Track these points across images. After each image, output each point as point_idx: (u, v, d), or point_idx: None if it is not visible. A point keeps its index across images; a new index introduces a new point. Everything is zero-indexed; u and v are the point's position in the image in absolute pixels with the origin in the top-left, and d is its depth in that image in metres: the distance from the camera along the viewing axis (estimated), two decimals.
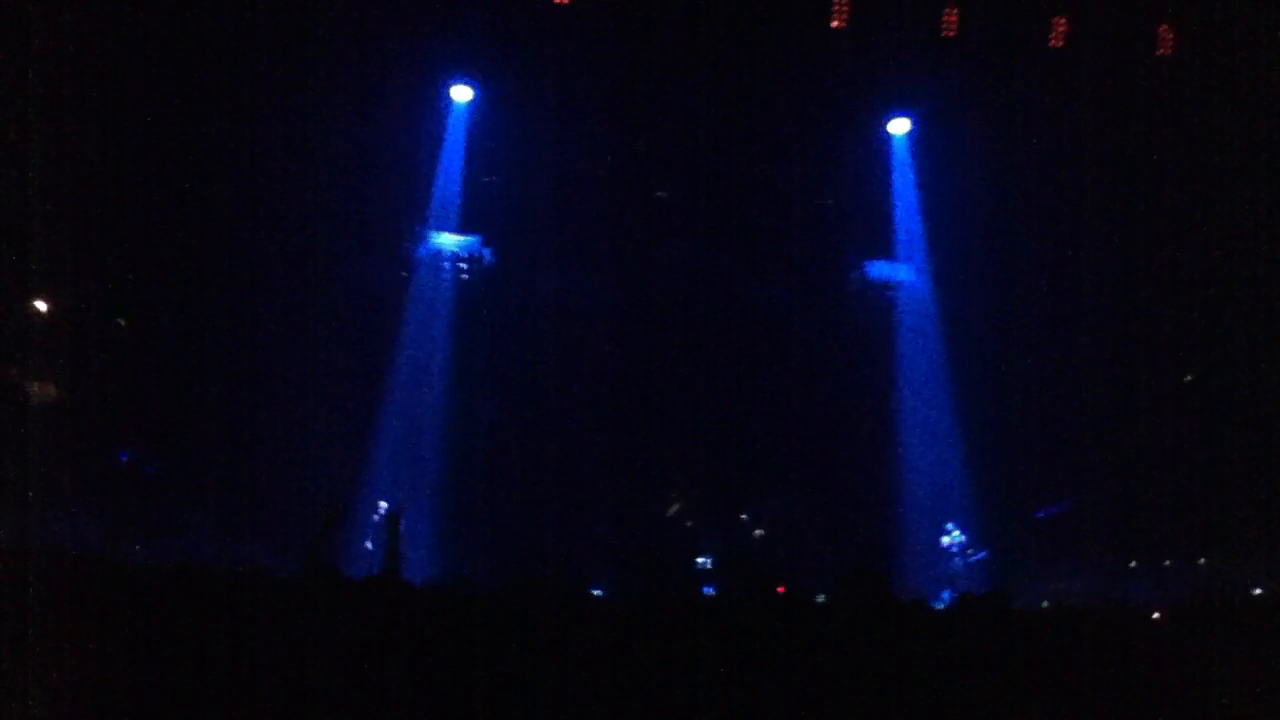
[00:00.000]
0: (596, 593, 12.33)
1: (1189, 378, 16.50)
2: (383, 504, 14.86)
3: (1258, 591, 14.12)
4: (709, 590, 13.66)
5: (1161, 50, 15.21)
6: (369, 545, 14.58)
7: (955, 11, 15.07)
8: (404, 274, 16.60)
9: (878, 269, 17.46)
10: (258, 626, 7.41)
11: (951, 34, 15.32)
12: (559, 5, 15.02)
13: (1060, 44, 15.24)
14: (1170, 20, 15.00)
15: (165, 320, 14.83)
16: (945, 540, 15.94)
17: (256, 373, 15.28)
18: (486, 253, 16.88)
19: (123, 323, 14.06)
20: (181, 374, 14.87)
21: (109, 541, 10.06)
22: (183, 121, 14.99)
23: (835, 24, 15.43)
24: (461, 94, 16.31)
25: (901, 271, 17.44)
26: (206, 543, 9.39)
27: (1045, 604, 11.75)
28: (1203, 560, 15.45)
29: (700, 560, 14.66)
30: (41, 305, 14.07)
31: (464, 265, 16.83)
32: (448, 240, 16.76)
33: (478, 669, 7.87)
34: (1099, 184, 16.14)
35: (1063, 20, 15.08)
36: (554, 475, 15.78)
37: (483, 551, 14.29)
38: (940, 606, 12.82)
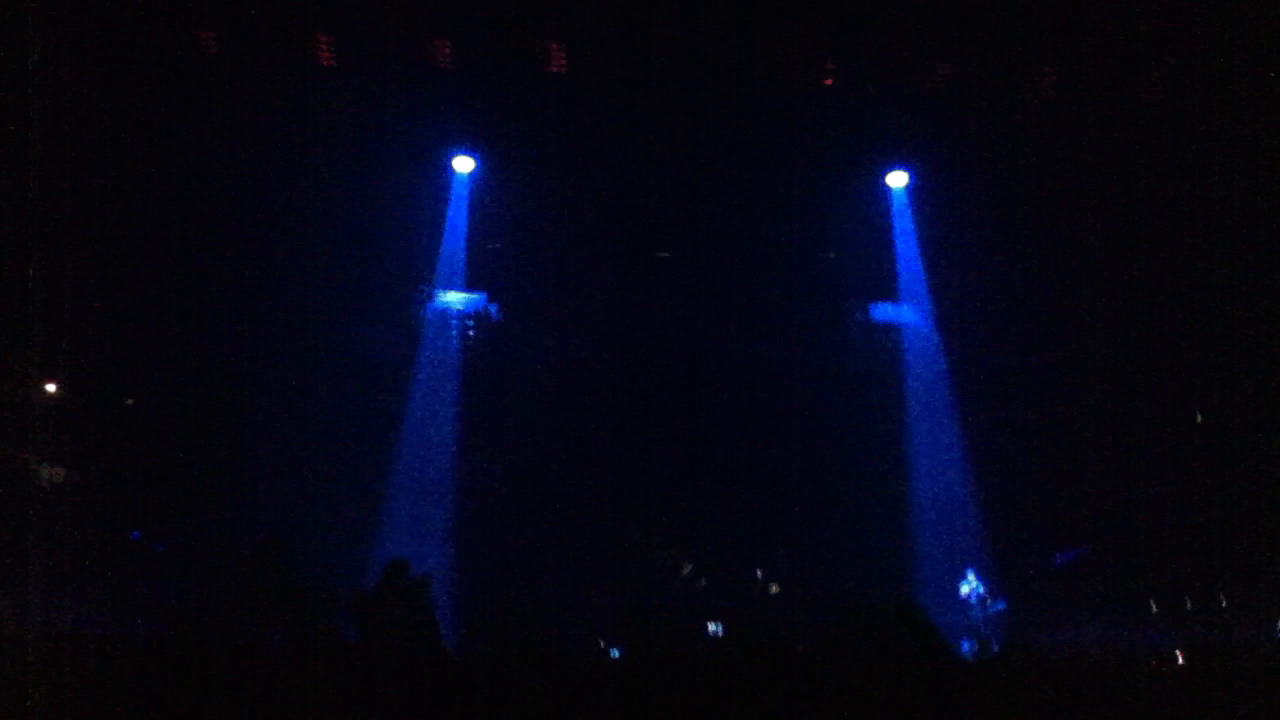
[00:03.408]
0: (614, 654, 12.19)
1: (1200, 417, 16.39)
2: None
3: None
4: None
5: (1148, 96, 15.31)
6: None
7: (946, 66, 15.19)
8: (410, 338, 16.68)
9: (881, 311, 17.46)
10: (259, 703, 7.34)
11: (942, 87, 15.44)
12: (554, 74, 15.19)
13: (1050, 93, 15.34)
14: (1155, 66, 15.09)
15: (173, 394, 14.89)
16: (964, 589, 15.74)
17: (265, 444, 15.33)
18: (493, 309, 16.96)
19: (130, 401, 14.12)
20: (189, 448, 14.91)
21: (113, 621, 10.03)
22: (190, 197, 15.19)
23: (828, 81, 15.59)
24: (463, 164, 16.53)
25: (905, 314, 17.44)
26: (210, 618, 9.38)
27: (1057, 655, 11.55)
28: (1224, 601, 15.24)
29: (712, 627, 14.47)
30: (50, 387, 14.15)
31: (470, 322, 16.93)
32: (454, 298, 16.87)
33: None
34: (1097, 223, 16.16)
35: (1051, 69, 15.18)
36: (561, 537, 15.71)
37: (494, 616, 14.17)
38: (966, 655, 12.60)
